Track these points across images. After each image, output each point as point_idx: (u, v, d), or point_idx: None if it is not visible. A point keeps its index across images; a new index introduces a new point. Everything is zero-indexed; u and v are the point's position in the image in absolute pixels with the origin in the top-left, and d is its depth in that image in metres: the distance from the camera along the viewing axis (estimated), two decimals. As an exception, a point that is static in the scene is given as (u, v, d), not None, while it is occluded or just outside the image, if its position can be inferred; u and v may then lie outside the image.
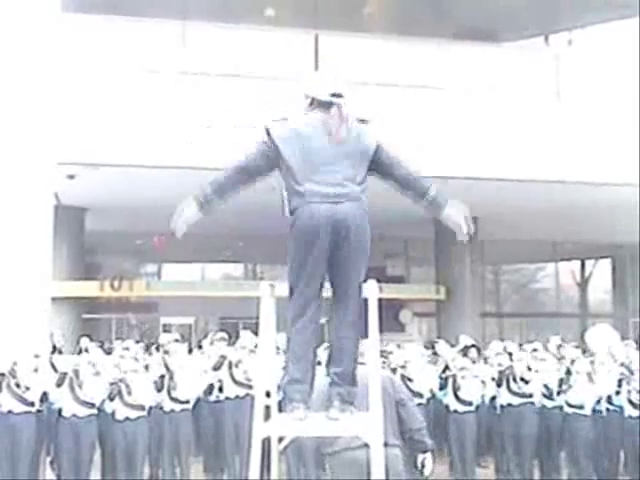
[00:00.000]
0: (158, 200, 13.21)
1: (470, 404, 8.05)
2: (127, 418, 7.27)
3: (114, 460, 7.44)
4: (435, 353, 10.02)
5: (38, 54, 8.37)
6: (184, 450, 7.75)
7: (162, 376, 7.78)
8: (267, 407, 3.07)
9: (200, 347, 9.94)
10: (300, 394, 2.93)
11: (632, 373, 8.06)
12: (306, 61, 11.48)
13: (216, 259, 19.09)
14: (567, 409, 7.84)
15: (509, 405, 7.98)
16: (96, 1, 11.79)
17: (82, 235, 14.39)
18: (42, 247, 8.32)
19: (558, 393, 7.96)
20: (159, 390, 7.66)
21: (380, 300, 3.02)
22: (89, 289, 14.62)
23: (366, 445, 2.96)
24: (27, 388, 6.95)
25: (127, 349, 8.85)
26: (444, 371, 8.73)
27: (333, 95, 3.00)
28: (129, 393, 7.27)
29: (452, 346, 10.40)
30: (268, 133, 3.00)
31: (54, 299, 9.11)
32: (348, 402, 2.97)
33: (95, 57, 10.86)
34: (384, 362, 7.60)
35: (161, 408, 7.69)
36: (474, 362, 8.87)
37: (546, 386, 8.00)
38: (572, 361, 8.43)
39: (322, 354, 3.84)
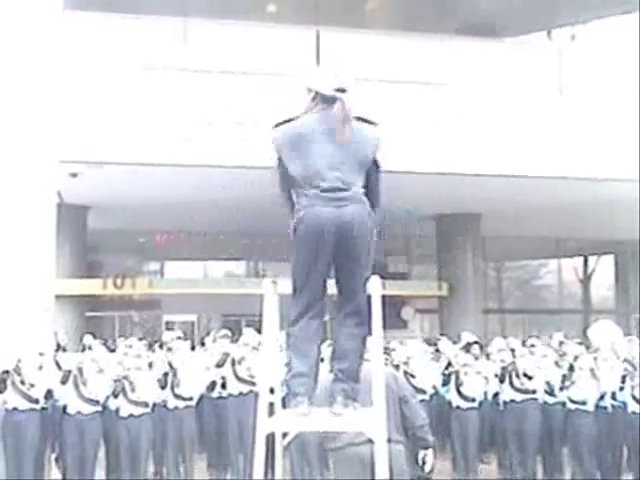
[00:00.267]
0: (160, 198, 13.30)
1: (473, 400, 8.06)
2: (131, 415, 7.29)
3: (118, 457, 7.46)
4: (438, 350, 10.04)
5: (40, 52, 8.38)
6: (188, 447, 7.78)
7: (165, 373, 7.80)
8: (271, 404, 3.08)
9: (203, 344, 9.97)
10: (304, 387, 2.93)
11: (635, 369, 8.05)
12: (307, 58, 11.46)
13: (219, 257, 19.11)
14: (570, 405, 7.84)
15: (512, 401, 7.99)
16: (97, -1, 11.80)
17: (85, 233, 14.40)
18: (45, 245, 8.33)
19: (561, 389, 7.96)
20: (163, 387, 7.69)
21: (382, 297, 3.02)
22: (92, 287, 14.65)
23: (370, 441, 2.97)
24: (32, 385, 6.98)
25: (130, 347, 8.87)
26: (447, 367, 8.74)
27: (337, 90, 2.96)
28: (133, 390, 7.30)
29: (454, 343, 10.41)
30: (273, 141, 2.99)
31: (57, 297, 9.12)
32: (352, 398, 2.98)
33: (96, 55, 10.85)
34: (386, 359, 7.61)
35: (165, 405, 7.72)
36: (477, 358, 8.89)
37: (547, 383, 8.00)
38: (575, 357, 8.44)
39: (325, 351, 3.86)
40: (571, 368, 8.14)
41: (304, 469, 7.54)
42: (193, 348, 9.49)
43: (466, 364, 8.20)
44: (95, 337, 10.55)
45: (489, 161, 11.57)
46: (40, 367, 7.19)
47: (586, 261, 21.23)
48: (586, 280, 21.27)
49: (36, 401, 6.99)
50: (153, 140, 10.62)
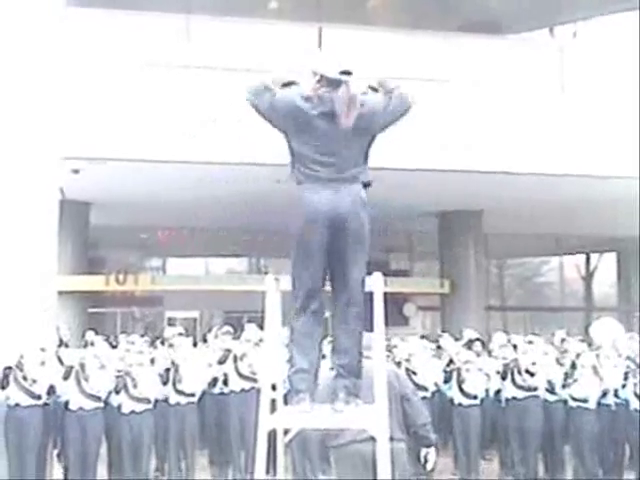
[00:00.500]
0: (162, 194, 13.31)
1: (475, 397, 8.05)
2: (133, 411, 7.31)
3: (120, 453, 7.48)
4: (439, 347, 10.04)
5: (43, 49, 8.37)
6: (189, 443, 7.79)
7: (167, 369, 7.81)
8: (273, 400, 3.08)
9: (205, 341, 9.97)
10: (306, 383, 2.95)
11: (637, 366, 8.06)
12: (310, 54, 11.43)
13: (221, 253, 19.11)
14: (572, 403, 7.84)
15: (514, 398, 7.98)
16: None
17: (87, 229, 14.42)
18: (47, 241, 8.34)
19: (563, 387, 7.95)
20: (165, 383, 7.69)
21: (384, 294, 3.03)
22: (94, 283, 14.66)
23: (372, 438, 2.97)
24: (34, 381, 6.99)
25: (132, 343, 8.89)
26: (448, 365, 8.74)
27: (342, 73, 2.96)
28: (135, 386, 7.31)
29: (456, 340, 10.41)
30: (273, 96, 3.01)
31: (60, 293, 9.13)
32: (353, 394, 2.98)
33: (99, 51, 10.84)
34: (388, 356, 7.62)
35: (166, 401, 7.73)
36: (478, 355, 8.88)
37: (549, 380, 8.00)
38: (577, 355, 8.43)
39: (326, 348, 3.86)
40: (573, 366, 8.13)
41: (305, 466, 7.55)
42: (195, 344, 9.50)
43: (468, 361, 8.20)
44: (97, 333, 10.56)
45: (491, 158, 11.55)
46: (42, 363, 7.20)
47: (588, 258, 21.22)
48: (588, 277, 21.26)
49: (38, 397, 7.00)
50: (155, 137, 10.62)
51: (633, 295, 19.20)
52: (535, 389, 7.93)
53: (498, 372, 8.30)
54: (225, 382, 8.06)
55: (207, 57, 11.30)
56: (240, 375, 7.93)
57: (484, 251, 16.25)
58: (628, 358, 8.44)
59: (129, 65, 10.87)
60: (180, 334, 9.52)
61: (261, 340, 7.69)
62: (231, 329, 9.14)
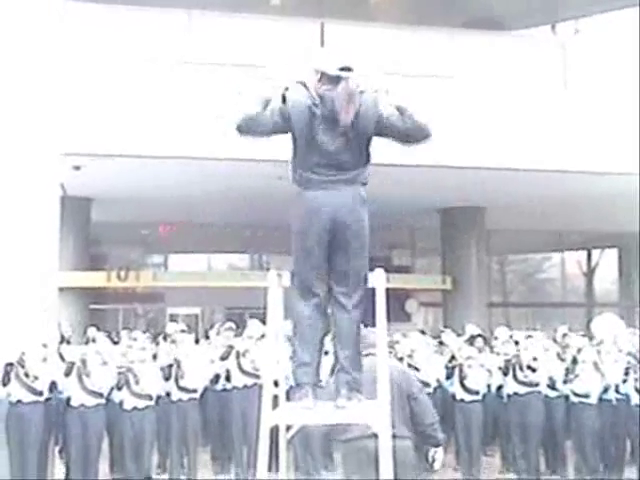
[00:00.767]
0: (164, 190, 13.29)
1: (476, 393, 8.06)
2: (135, 407, 7.32)
3: (122, 449, 7.49)
4: (441, 342, 10.03)
5: (43, 44, 8.36)
6: (192, 439, 7.80)
7: (169, 365, 7.82)
8: (275, 396, 3.08)
9: (207, 337, 9.97)
10: (308, 377, 2.97)
11: (638, 362, 8.06)
12: (309, 51, 11.43)
13: (223, 249, 19.11)
14: (573, 398, 7.84)
15: (515, 394, 7.99)
16: (101, -9, 11.77)
17: (88, 226, 14.41)
18: (49, 237, 8.33)
19: (564, 382, 7.96)
20: (167, 379, 7.70)
21: (386, 290, 3.02)
22: (96, 279, 14.67)
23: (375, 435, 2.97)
24: (36, 378, 6.99)
25: (134, 339, 8.89)
26: (450, 360, 8.74)
27: (342, 69, 2.97)
28: (137, 383, 7.32)
29: (458, 336, 10.40)
30: (284, 100, 2.98)
31: (61, 289, 9.14)
32: (355, 389, 2.98)
33: (100, 47, 10.84)
34: (390, 352, 7.61)
35: (169, 397, 7.74)
36: (480, 351, 8.87)
37: (550, 376, 7.99)
38: (578, 350, 8.43)
39: (328, 344, 3.86)
40: (574, 361, 8.14)
41: (308, 462, 7.56)
42: (197, 341, 9.51)
43: (470, 357, 8.20)
44: (99, 329, 10.55)
45: (494, 154, 11.53)
46: (44, 359, 7.20)
47: (589, 254, 21.19)
48: (590, 273, 21.24)
49: (40, 393, 7.00)
50: (156, 132, 10.61)
51: (634, 291, 19.18)
52: (536, 385, 7.93)
53: (500, 368, 8.31)
54: (227, 378, 8.06)
55: (209, 53, 11.30)
56: (242, 371, 7.94)
57: (486, 247, 16.23)
58: (629, 354, 8.45)
59: (130, 61, 10.86)
60: (182, 330, 9.51)
61: (263, 336, 7.69)
62: (233, 325, 9.15)
